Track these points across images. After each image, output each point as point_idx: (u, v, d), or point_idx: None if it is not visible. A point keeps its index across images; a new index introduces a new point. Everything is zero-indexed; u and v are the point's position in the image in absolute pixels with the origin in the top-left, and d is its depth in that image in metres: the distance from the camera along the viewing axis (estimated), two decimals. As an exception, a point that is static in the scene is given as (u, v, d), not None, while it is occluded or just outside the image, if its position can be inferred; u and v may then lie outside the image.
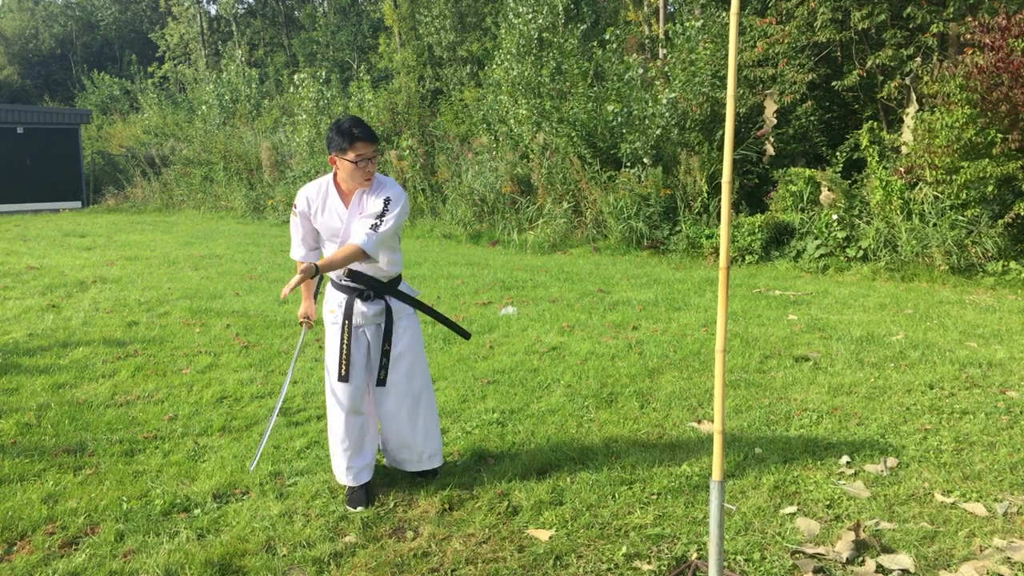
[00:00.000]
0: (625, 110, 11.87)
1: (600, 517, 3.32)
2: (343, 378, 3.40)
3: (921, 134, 9.18)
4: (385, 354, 3.45)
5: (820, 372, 5.29)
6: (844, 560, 2.94)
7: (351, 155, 3.24)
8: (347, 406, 3.47)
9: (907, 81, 10.42)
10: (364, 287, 3.41)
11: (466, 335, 3.89)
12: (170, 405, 4.81)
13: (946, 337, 6.12)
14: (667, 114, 11.50)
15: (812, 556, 2.99)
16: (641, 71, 12.60)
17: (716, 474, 2.53)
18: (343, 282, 3.43)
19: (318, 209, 3.39)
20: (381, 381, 3.48)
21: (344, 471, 3.51)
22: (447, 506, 3.44)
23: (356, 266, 3.35)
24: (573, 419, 4.48)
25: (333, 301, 3.46)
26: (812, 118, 11.70)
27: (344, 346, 3.37)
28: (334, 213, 3.37)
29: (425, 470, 3.68)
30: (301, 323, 3.67)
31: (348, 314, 3.39)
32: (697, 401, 4.76)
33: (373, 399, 3.62)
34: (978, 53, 8.77)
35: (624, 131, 11.88)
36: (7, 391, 5.03)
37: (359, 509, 3.41)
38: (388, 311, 3.46)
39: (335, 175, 3.40)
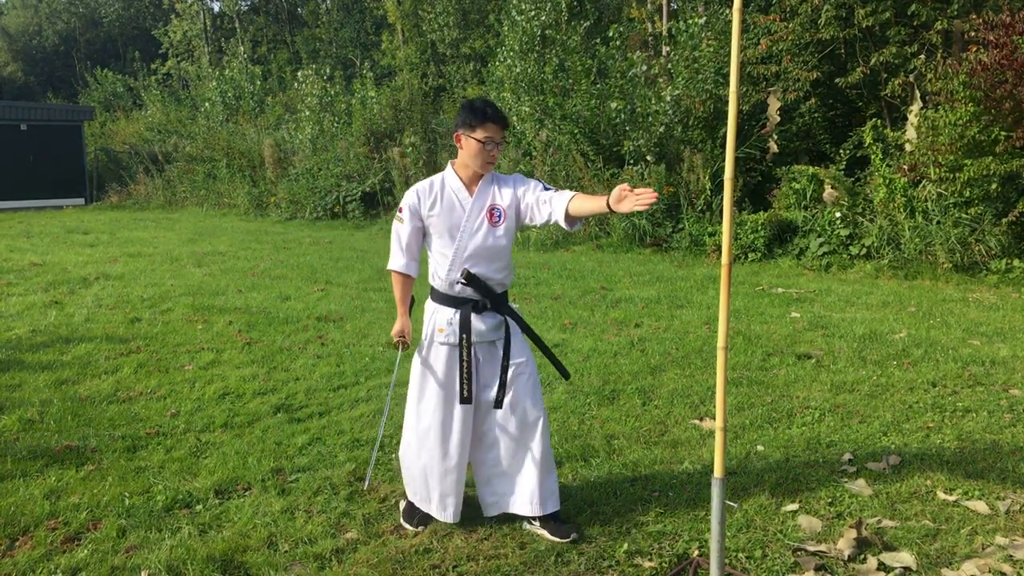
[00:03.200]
0: (628, 107, 11.85)
1: (601, 514, 3.32)
2: (466, 400, 3.11)
3: (925, 132, 9.16)
4: (504, 371, 3.14)
5: (822, 370, 5.28)
6: (846, 558, 2.94)
7: (479, 134, 3.06)
8: (459, 431, 3.16)
9: (911, 78, 10.39)
10: (480, 296, 3.15)
11: (566, 375, 3.47)
12: (172, 401, 4.82)
13: (949, 335, 6.11)
14: (670, 111, 11.48)
15: (814, 554, 2.99)
16: (644, 68, 12.57)
17: (718, 471, 2.53)
18: (455, 292, 3.14)
19: (435, 201, 3.14)
20: (499, 403, 3.14)
21: (438, 504, 3.21)
22: (449, 503, 3.44)
23: (476, 269, 3.11)
24: (575, 416, 4.48)
25: (442, 318, 3.15)
26: (815, 115, 11.67)
27: (465, 363, 3.09)
28: (454, 200, 3.14)
29: (538, 515, 3.18)
30: (396, 344, 3.29)
31: (466, 328, 3.10)
32: (699, 398, 4.76)
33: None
34: (982, 50, 8.75)
35: (627, 128, 11.86)
36: (10, 387, 5.04)
37: (421, 528, 3.19)
38: (506, 324, 3.19)
39: (452, 164, 3.22)
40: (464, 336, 3.09)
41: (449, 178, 3.18)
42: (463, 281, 3.11)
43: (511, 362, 3.16)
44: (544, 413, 3.21)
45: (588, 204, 2.97)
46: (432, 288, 3.24)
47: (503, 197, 3.17)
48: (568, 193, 3.07)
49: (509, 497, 3.22)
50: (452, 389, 3.16)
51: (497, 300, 3.19)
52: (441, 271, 3.16)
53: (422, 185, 3.19)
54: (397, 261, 3.21)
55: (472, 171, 3.16)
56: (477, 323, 3.14)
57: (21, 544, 3.14)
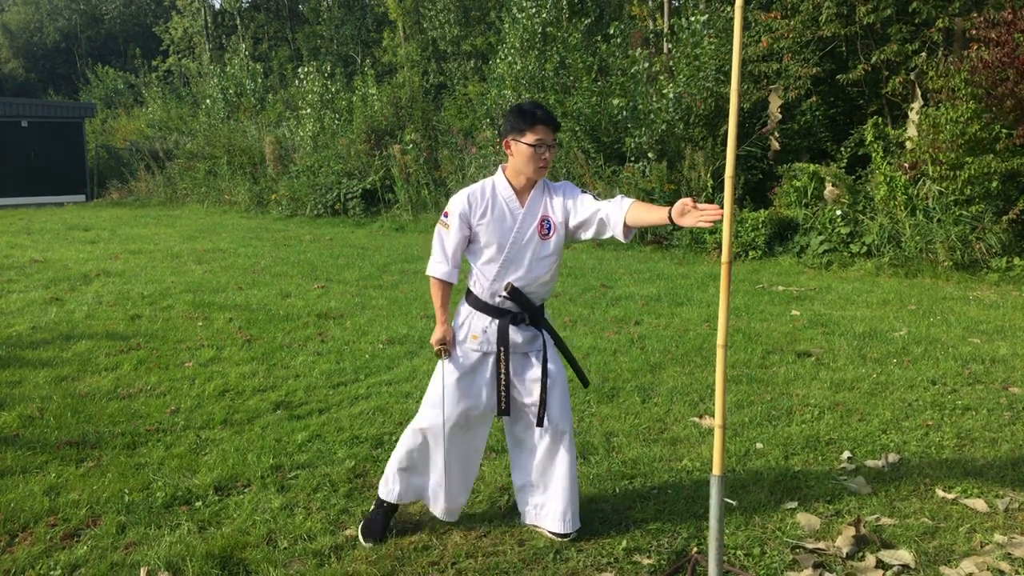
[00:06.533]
0: (630, 104, 11.84)
1: (600, 511, 3.32)
2: (504, 412, 3.08)
3: (926, 129, 9.15)
4: (544, 388, 3.05)
5: (822, 368, 5.28)
6: (844, 555, 2.94)
7: (530, 137, 2.95)
8: (476, 436, 3.16)
9: (912, 76, 10.38)
10: (520, 309, 3.07)
11: (585, 383, 3.34)
12: (172, 398, 4.82)
13: (949, 333, 6.10)
14: (671, 109, 11.47)
15: (812, 551, 2.99)
16: (646, 66, 12.56)
17: (716, 469, 2.53)
18: (495, 303, 3.06)
19: (486, 209, 3.02)
20: (540, 420, 3.06)
21: (443, 508, 3.20)
22: (448, 500, 3.44)
23: (521, 283, 3.02)
24: (574, 414, 4.47)
25: (477, 326, 3.07)
26: (817, 113, 11.65)
27: (503, 376, 3.04)
28: (505, 210, 3.03)
29: (567, 532, 3.11)
30: (437, 352, 3.11)
31: (504, 340, 3.03)
32: (699, 396, 4.76)
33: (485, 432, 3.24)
34: (983, 48, 8.73)
35: (628, 126, 11.85)
36: (10, 384, 5.05)
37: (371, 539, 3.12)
38: (544, 338, 3.12)
39: (503, 170, 3.10)
40: (502, 349, 3.03)
41: (500, 185, 3.07)
42: (505, 295, 3.03)
43: (548, 376, 3.07)
44: (572, 426, 3.16)
45: (648, 215, 2.86)
46: (469, 292, 3.15)
47: (555, 209, 3.07)
48: (624, 202, 2.93)
49: (541, 511, 3.17)
50: (479, 396, 3.09)
51: (535, 313, 3.12)
52: (484, 280, 3.06)
53: (473, 191, 3.06)
54: (440, 268, 3.06)
55: (525, 178, 3.04)
56: (514, 335, 3.07)
57: (21, 540, 3.14)
